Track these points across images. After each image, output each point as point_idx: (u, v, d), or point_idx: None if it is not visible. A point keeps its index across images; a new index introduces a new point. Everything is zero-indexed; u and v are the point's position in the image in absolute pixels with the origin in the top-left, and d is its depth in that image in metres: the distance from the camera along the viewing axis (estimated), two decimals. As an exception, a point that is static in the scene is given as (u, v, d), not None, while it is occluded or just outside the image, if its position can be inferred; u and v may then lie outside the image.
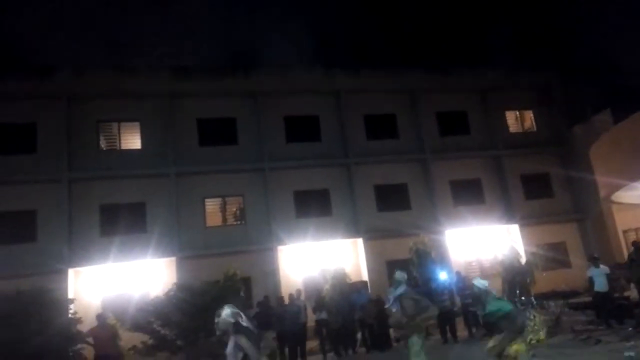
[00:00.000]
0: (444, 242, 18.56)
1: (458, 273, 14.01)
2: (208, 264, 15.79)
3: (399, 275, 7.21)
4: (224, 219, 18.27)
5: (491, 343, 4.99)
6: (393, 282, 7.32)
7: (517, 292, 11.23)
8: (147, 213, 16.90)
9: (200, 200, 17.64)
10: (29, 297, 9.91)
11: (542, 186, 20.59)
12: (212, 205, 18.01)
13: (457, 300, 12.90)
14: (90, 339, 9.42)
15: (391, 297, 7.18)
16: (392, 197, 19.22)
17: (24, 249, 15.07)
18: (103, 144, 17.63)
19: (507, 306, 5.10)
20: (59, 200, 16.01)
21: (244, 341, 4.28)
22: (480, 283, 5.34)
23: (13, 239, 15.24)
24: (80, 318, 10.75)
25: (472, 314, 11.44)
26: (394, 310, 7.04)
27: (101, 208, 16.53)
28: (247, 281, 15.73)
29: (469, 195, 19.84)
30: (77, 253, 15.71)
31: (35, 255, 14.84)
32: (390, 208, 18.93)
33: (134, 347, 10.27)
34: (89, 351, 9.92)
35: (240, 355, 4.25)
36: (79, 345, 10.24)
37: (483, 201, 20.02)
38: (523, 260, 14.73)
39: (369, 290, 15.30)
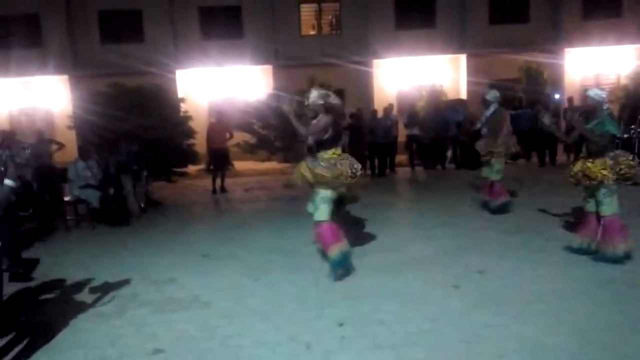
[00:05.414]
0: (562, 62, 16.57)
1: (570, 99, 12.72)
2: (303, 73, 15.78)
3: (492, 94, 6.91)
4: (320, 28, 17.61)
5: (578, 166, 4.61)
6: (484, 102, 7.02)
7: (638, 118, 10.05)
8: (244, 17, 16.78)
9: (295, 4, 16.89)
10: (148, 92, 10.78)
11: None
12: (307, 12, 17.25)
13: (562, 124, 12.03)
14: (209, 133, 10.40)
15: (483, 118, 7.01)
16: (508, 4, 16.88)
17: (133, 48, 15.98)
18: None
19: (615, 129, 4.55)
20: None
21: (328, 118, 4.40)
22: (595, 93, 4.64)
23: (123, 38, 16.23)
24: (191, 116, 11.72)
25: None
26: (484, 130, 6.97)
27: (200, 10, 16.62)
28: (341, 93, 15.72)
29: (603, 4, 16.70)
30: (182, 55, 16.50)
31: (145, 54, 15.70)
32: (505, 19, 16.75)
33: (237, 144, 11.26)
34: (199, 146, 11.10)
35: (330, 132, 4.41)
36: (191, 140, 11.44)
37: (619, 13, 16.84)
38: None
39: (468, 110, 14.73)
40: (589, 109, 4.67)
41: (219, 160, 10.33)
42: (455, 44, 16.91)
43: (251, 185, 11.07)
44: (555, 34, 16.55)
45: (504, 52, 15.92)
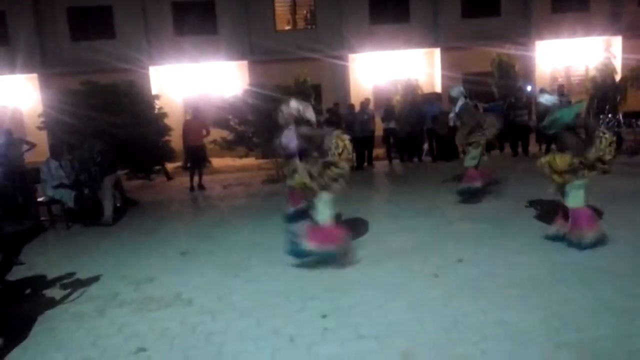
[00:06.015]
0: (533, 55, 16.94)
1: (542, 90, 13.04)
2: (279, 69, 15.77)
3: (456, 91, 7.23)
4: (294, 23, 17.56)
5: (545, 158, 4.75)
6: (450, 100, 7.37)
7: (606, 108, 10.38)
8: (218, 12, 16.59)
9: (270, -1, 16.83)
10: (121, 89, 10.57)
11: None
12: (282, 6, 17.18)
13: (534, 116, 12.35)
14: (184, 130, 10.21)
15: (452, 115, 7.38)
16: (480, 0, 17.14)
17: (104, 45, 15.64)
18: None
19: (568, 114, 4.63)
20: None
21: (305, 129, 4.42)
22: (545, 99, 4.86)
23: (94, 35, 15.88)
24: (166, 113, 11.54)
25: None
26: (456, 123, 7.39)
27: (173, 5, 16.36)
28: (317, 88, 15.78)
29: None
30: (155, 51, 16.22)
31: (117, 51, 15.38)
32: (477, 13, 17.01)
33: (214, 141, 11.14)
34: (175, 143, 10.97)
35: (298, 143, 4.47)
36: (167, 137, 11.27)
37: (587, 7, 17.31)
38: (618, 76, 13.36)
39: (442, 103, 14.95)
40: (543, 114, 4.88)
41: (195, 158, 10.21)
42: (430, 38, 17.10)
43: (229, 181, 11.00)
44: (526, 27, 16.92)
45: (476, 45, 16.19)
